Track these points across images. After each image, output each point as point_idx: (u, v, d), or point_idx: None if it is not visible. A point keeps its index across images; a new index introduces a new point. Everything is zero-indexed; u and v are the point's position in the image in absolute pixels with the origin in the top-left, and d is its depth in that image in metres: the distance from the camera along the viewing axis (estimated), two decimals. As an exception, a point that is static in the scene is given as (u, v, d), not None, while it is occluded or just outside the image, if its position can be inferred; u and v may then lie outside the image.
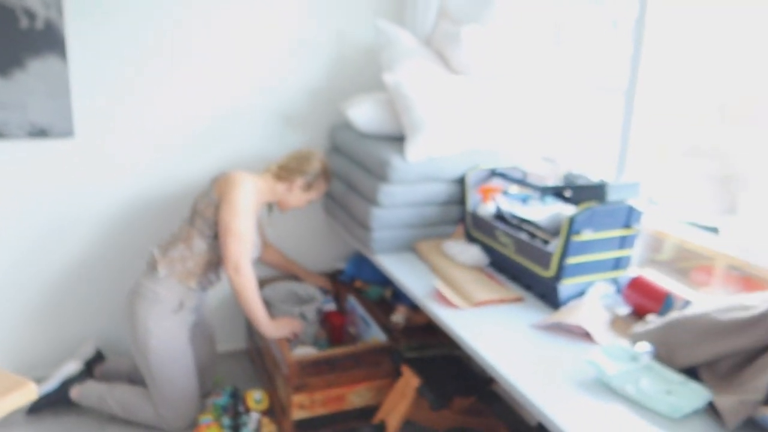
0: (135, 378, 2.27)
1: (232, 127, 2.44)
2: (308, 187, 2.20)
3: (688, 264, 1.86)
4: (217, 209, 2.05)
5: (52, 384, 2.17)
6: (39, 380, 2.25)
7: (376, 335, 2.19)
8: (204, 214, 2.08)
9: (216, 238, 2.09)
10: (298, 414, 2.01)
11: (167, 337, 2.07)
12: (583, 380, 1.35)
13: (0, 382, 0.98)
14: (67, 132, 2.20)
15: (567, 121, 2.31)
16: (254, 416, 2.16)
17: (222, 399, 2.23)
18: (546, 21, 2.35)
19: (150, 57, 2.26)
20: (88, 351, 2.33)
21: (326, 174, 2.25)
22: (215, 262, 2.14)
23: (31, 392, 0.97)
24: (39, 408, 2.16)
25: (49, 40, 2.12)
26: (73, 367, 2.24)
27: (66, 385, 2.19)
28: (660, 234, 1.91)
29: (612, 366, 1.36)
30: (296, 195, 2.21)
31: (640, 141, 1.89)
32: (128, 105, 2.27)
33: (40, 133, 2.17)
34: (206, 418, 2.12)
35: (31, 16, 2.08)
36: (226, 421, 2.12)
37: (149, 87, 2.28)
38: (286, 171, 2.19)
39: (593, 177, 1.84)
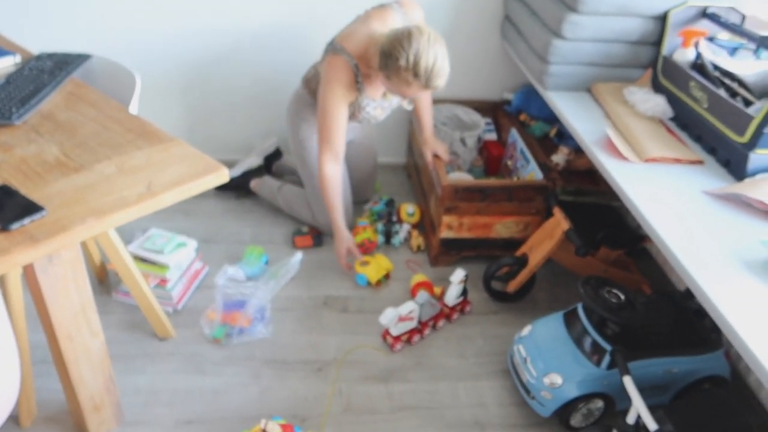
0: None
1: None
2: (387, 78, 1.82)
3: None
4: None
5: (236, 171, 2.47)
6: (228, 163, 2.57)
7: (533, 172, 2.17)
8: (320, 75, 1.98)
9: None
10: (445, 233, 2.13)
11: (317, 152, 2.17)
12: (752, 260, 1.26)
13: (201, 164, 1.14)
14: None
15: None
16: (405, 227, 2.33)
17: (378, 206, 2.41)
18: None
19: None
20: (269, 147, 2.58)
21: (407, 68, 1.73)
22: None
23: (223, 176, 1.13)
24: (224, 188, 2.48)
25: None
26: (254, 161, 2.51)
27: (248, 174, 2.47)
28: None
29: (790, 251, 1.25)
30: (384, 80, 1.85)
31: None
32: None
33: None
34: (363, 221, 2.32)
35: None
36: (380, 226, 2.31)
37: None
38: (380, 54, 1.80)
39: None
